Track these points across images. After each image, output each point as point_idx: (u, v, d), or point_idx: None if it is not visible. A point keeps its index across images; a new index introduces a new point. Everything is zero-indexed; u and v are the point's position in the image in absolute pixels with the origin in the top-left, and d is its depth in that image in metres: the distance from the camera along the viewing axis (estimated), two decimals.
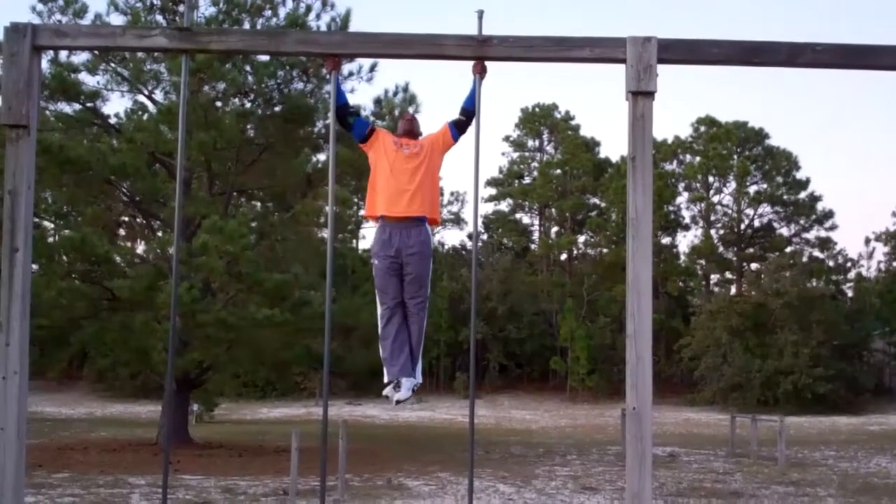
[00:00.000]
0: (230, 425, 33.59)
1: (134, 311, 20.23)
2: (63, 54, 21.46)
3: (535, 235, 67.46)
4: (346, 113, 6.18)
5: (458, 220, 64.24)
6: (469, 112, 6.15)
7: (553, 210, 64.85)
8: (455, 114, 6.28)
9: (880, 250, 58.44)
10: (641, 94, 5.44)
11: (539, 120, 65.70)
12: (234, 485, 15.44)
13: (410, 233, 6.05)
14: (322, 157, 23.14)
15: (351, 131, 6.24)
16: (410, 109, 21.98)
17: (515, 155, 67.01)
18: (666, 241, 60.56)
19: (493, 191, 66.02)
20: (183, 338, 20.49)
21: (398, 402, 6.22)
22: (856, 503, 14.20)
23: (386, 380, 6.22)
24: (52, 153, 18.38)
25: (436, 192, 6.26)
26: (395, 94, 22.47)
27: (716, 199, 60.56)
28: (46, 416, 35.22)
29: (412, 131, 6.32)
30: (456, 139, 6.24)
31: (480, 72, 5.93)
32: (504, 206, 66.76)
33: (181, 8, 21.39)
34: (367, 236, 48.04)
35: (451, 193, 63.88)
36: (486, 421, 36.80)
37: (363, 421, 36.44)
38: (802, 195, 59.68)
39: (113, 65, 22.29)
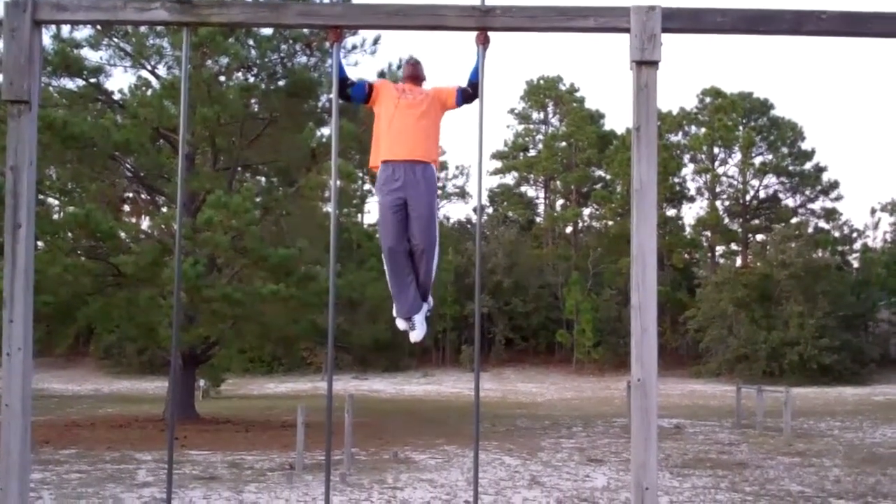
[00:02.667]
0: (236, 400, 33.75)
1: (139, 287, 20.26)
2: (65, 30, 21.39)
3: (541, 208, 67.44)
4: (344, 86, 6.14)
5: (462, 194, 64.19)
6: (475, 85, 6.11)
7: (558, 183, 64.79)
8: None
9: (886, 220, 58.37)
10: (645, 64, 5.39)
11: (544, 92, 65.48)
12: (241, 459, 15.52)
13: (415, 168, 6.01)
14: (326, 131, 23.09)
15: (352, 100, 6.24)
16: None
17: (520, 127, 66.87)
18: (671, 212, 60.50)
19: (497, 164, 65.98)
20: (189, 313, 20.54)
21: (415, 342, 6.34)
22: (861, 473, 14.24)
23: (395, 313, 6.27)
24: (56, 129, 18.34)
25: (437, 138, 6.21)
26: (399, 66, 22.35)
27: (721, 170, 60.41)
28: (53, 393, 35.43)
29: (417, 76, 6.31)
30: (458, 104, 6.19)
31: (483, 42, 5.89)
32: (509, 179, 66.76)
33: None
34: (372, 211, 48.09)
35: (456, 167, 63.83)
36: (491, 394, 36.93)
37: (369, 395, 36.60)
38: (808, 166, 59.56)
39: (115, 40, 22.20)
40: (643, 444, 5.10)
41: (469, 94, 6.16)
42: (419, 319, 6.19)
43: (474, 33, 5.85)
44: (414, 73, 6.31)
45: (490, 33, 5.84)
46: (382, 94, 6.17)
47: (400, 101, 6.08)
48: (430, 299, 6.31)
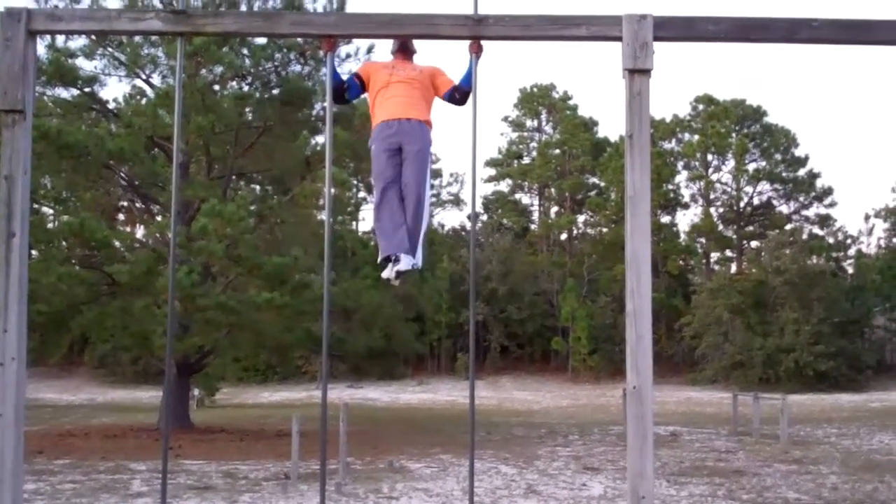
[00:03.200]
0: (231, 409, 33.68)
1: (134, 296, 20.23)
2: (60, 40, 21.40)
3: (535, 215, 67.52)
4: (342, 92, 6.15)
5: (457, 201, 64.25)
6: (464, 91, 6.10)
7: (552, 190, 64.89)
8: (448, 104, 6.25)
9: (880, 226, 58.69)
10: (638, 72, 5.41)
11: (537, 100, 65.63)
12: (236, 469, 15.48)
13: (411, 121, 6.01)
14: (320, 139, 23.11)
15: (350, 99, 6.25)
16: None
17: (514, 135, 67.03)
18: (665, 219, 60.61)
19: (492, 171, 66.06)
20: (183, 322, 20.50)
21: (397, 273, 5.93)
22: (858, 480, 14.24)
23: (380, 258, 6.06)
24: (51, 138, 18.34)
25: (430, 108, 6.17)
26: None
27: (715, 177, 60.56)
28: (47, 403, 35.34)
29: (407, 48, 6.27)
30: (446, 99, 6.18)
31: (477, 51, 5.89)
32: (503, 186, 66.82)
33: None
34: (367, 218, 48.08)
35: (451, 174, 63.87)
36: (487, 402, 36.90)
37: (364, 404, 36.54)
38: (801, 172, 59.70)
39: (110, 49, 22.21)
40: (639, 452, 5.09)
41: (457, 98, 6.14)
42: (406, 259, 5.91)
43: (468, 42, 5.86)
44: (404, 43, 6.26)
45: (483, 42, 5.85)
46: (373, 75, 6.17)
47: (391, 78, 6.08)
48: (419, 256, 6.08)
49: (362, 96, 6.39)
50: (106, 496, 12.24)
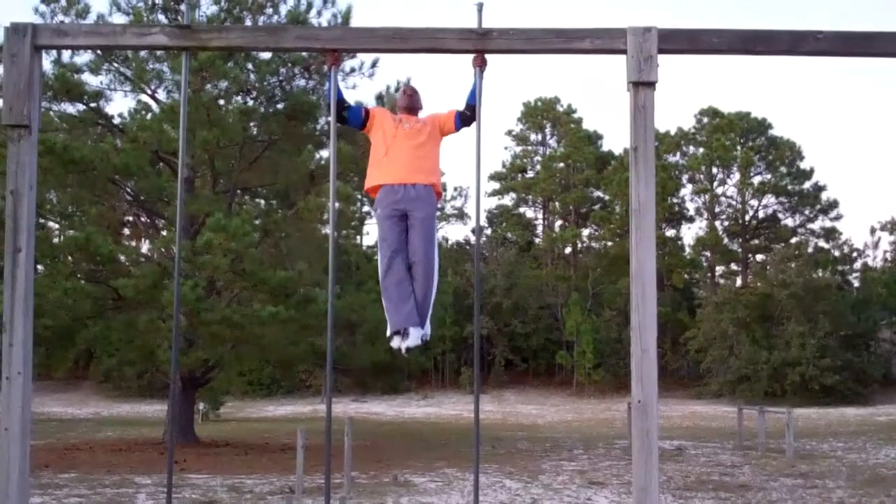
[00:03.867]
0: (236, 423, 33.64)
1: (139, 310, 20.25)
2: (66, 55, 21.49)
3: (539, 229, 67.48)
4: (341, 109, 6.08)
5: (461, 215, 64.24)
6: (472, 107, 6.07)
7: (557, 203, 64.86)
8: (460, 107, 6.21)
9: (886, 239, 58.45)
10: (642, 85, 5.42)
11: (541, 113, 65.66)
12: (241, 483, 15.45)
13: (416, 186, 5.93)
14: (325, 153, 23.15)
15: (348, 123, 6.17)
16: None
17: (518, 149, 67.03)
18: (670, 233, 60.56)
19: (496, 185, 66.05)
20: (188, 336, 20.51)
21: (407, 349, 5.89)
22: (865, 494, 14.17)
23: (389, 331, 5.98)
24: (56, 153, 18.40)
25: (437, 164, 6.13)
26: (397, 89, 22.44)
27: (720, 190, 60.51)
28: (53, 417, 35.31)
29: (413, 107, 6.22)
30: (458, 128, 6.14)
31: (481, 64, 5.90)
32: (507, 200, 66.82)
33: (183, 7, 21.39)
34: (371, 232, 48.08)
35: (455, 188, 63.85)
36: (492, 416, 36.82)
37: (369, 418, 36.46)
38: (807, 185, 59.62)
39: (115, 64, 22.30)
40: (644, 467, 5.08)
41: (467, 116, 6.11)
42: (415, 332, 5.88)
43: (472, 56, 5.88)
44: (410, 104, 6.22)
45: (487, 56, 5.87)
46: (379, 121, 6.11)
47: (398, 131, 6.01)
48: (428, 327, 6.02)
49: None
50: None
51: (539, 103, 65.54)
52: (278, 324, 19.66)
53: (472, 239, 62.86)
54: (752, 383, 46.99)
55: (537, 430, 30.39)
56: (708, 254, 60.06)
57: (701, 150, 59.56)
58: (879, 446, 22.78)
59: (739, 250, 60.11)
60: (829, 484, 15.47)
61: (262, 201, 27.14)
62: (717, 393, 48.41)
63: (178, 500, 12.76)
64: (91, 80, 22.16)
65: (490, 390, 50.50)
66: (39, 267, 19.51)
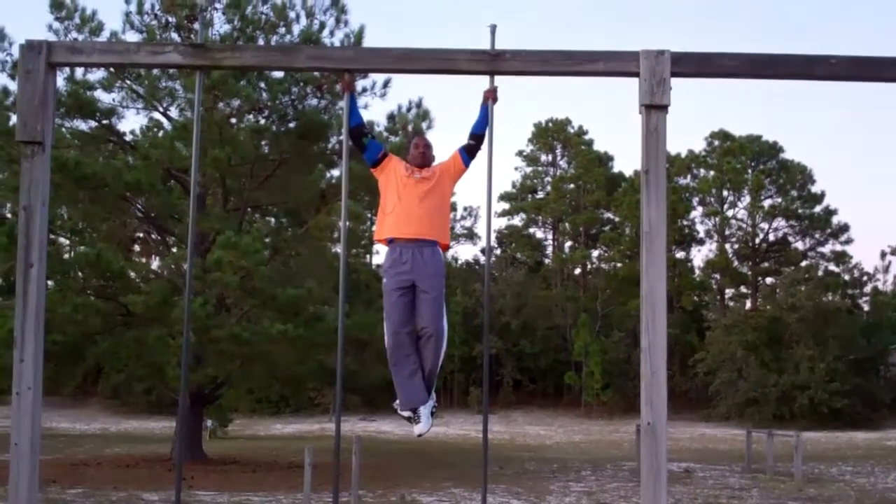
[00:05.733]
0: (244, 441, 33.59)
1: (148, 327, 20.29)
2: (79, 72, 21.61)
3: (549, 250, 67.42)
4: (361, 133, 6.03)
5: (471, 235, 64.21)
6: (478, 137, 6.06)
7: (566, 224, 64.85)
8: (465, 134, 6.19)
9: None
10: (655, 108, 5.43)
11: (552, 134, 65.77)
12: (248, 500, 15.42)
13: (423, 251, 5.88)
14: (336, 172, 23.21)
15: (363, 153, 6.10)
16: (424, 125, 22.01)
17: (528, 169, 67.10)
18: (680, 255, 60.46)
19: (506, 205, 66.08)
20: (197, 353, 20.52)
21: (419, 435, 6.04)
22: None
23: (398, 406, 6.07)
24: (68, 170, 18.48)
25: (446, 218, 6.11)
26: (409, 109, 22.52)
27: (730, 213, 60.44)
28: (61, 432, 35.31)
29: (425, 165, 6.11)
30: (467, 165, 6.13)
31: (493, 99, 5.93)
32: (517, 220, 66.79)
33: (196, 26, 21.51)
34: (381, 251, 48.05)
35: (465, 208, 63.84)
36: (500, 436, 36.69)
37: (377, 436, 36.36)
38: (817, 209, 59.49)
39: (128, 82, 22.41)
40: (653, 489, 5.06)
41: (472, 146, 6.11)
42: (425, 412, 5.99)
43: (484, 82, 5.90)
44: (423, 162, 6.10)
45: (498, 80, 5.89)
46: (392, 167, 6.04)
47: (409, 180, 5.95)
48: (434, 395, 6.09)
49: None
50: None
51: (550, 124, 65.67)
52: (287, 341, 19.66)
53: (482, 259, 62.86)
54: (761, 406, 46.77)
55: (545, 451, 30.26)
56: (717, 276, 59.91)
57: (711, 172, 59.55)
58: (888, 471, 22.63)
59: (749, 273, 59.95)
60: None
61: (273, 219, 27.21)
62: (725, 415, 48.19)
63: None
64: (103, 97, 22.31)
65: (498, 410, 50.36)
66: (50, 282, 19.58)
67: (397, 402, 6.07)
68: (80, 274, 20.57)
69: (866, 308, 56.75)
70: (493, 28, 5.77)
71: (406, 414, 6.01)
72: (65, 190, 19.43)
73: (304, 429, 41.50)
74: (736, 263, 59.95)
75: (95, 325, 20.18)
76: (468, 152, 6.13)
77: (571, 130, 65.17)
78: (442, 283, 5.98)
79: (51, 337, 17.07)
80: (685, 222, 60.07)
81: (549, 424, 47.04)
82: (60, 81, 20.91)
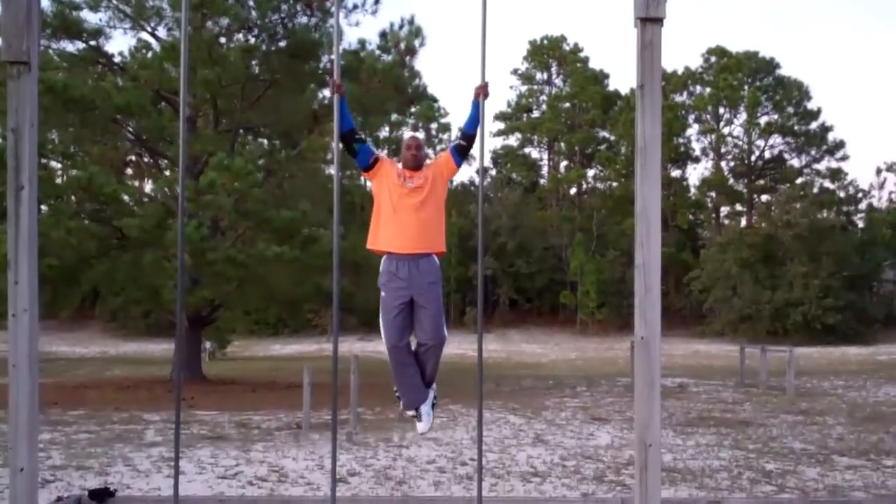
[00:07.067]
0: (242, 362, 33.90)
1: (143, 250, 20.28)
2: None
3: (544, 170, 67.26)
4: (351, 139, 5.94)
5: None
6: (470, 136, 6.04)
7: (562, 144, 64.56)
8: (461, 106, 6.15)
9: (891, 180, 58.52)
10: (650, 21, 5.32)
11: (547, 52, 65.05)
12: (248, 419, 15.62)
13: (419, 262, 5.86)
14: (328, 92, 22.95)
15: (355, 158, 6.02)
16: (416, 42, 21.75)
17: (523, 88, 66.57)
18: (676, 173, 60.36)
19: (501, 125, 65.67)
20: (193, 276, 20.56)
21: (421, 433, 6.36)
22: (864, 431, 14.30)
23: (402, 409, 6.27)
24: (57, 92, 18.28)
25: (442, 225, 6.03)
26: (401, 27, 22.22)
27: (726, 130, 60.21)
28: (60, 356, 35.61)
29: (418, 167, 6.01)
30: (459, 165, 6.10)
31: (483, 95, 5.88)
32: (512, 140, 66.46)
33: None
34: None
35: (459, 129, 63.48)
36: (496, 355, 37.06)
37: (374, 356, 36.65)
38: (813, 126, 59.27)
39: (115, 1, 22.03)
40: (647, 401, 5.11)
41: (464, 146, 6.07)
42: (426, 410, 6.17)
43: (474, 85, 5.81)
44: (415, 163, 5.99)
45: None
46: (384, 172, 5.96)
47: (402, 189, 5.87)
48: (434, 387, 6.23)
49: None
50: (120, 445, 12.37)
51: (545, 42, 64.89)
52: (283, 264, 19.69)
53: (477, 180, 62.60)
54: (755, 323, 47.25)
55: (541, 369, 30.62)
56: (713, 194, 59.93)
57: (708, 89, 59.15)
58: (880, 385, 22.95)
59: (744, 191, 59.96)
60: (829, 421, 15.60)
61: (265, 141, 27.00)
62: (719, 332, 48.72)
63: (186, 436, 12.91)
64: (90, 18, 21.97)
65: (495, 329, 50.81)
66: (43, 207, 19.51)
67: (401, 402, 6.25)
68: (73, 198, 20.50)
69: (861, 225, 56.93)
70: None
71: (410, 413, 6.21)
72: (54, 113, 19.25)
73: (302, 349, 41.88)
74: (731, 181, 59.92)
75: (90, 248, 20.16)
76: (460, 153, 6.09)
77: (567, 48, 64.45)
78: (440, 292, 6.00)
79: (46, 261, 17.07)
80: (681, 140, 59.83)
81: (545, 343, 47.50)
82: (46, 2, 20.57)
